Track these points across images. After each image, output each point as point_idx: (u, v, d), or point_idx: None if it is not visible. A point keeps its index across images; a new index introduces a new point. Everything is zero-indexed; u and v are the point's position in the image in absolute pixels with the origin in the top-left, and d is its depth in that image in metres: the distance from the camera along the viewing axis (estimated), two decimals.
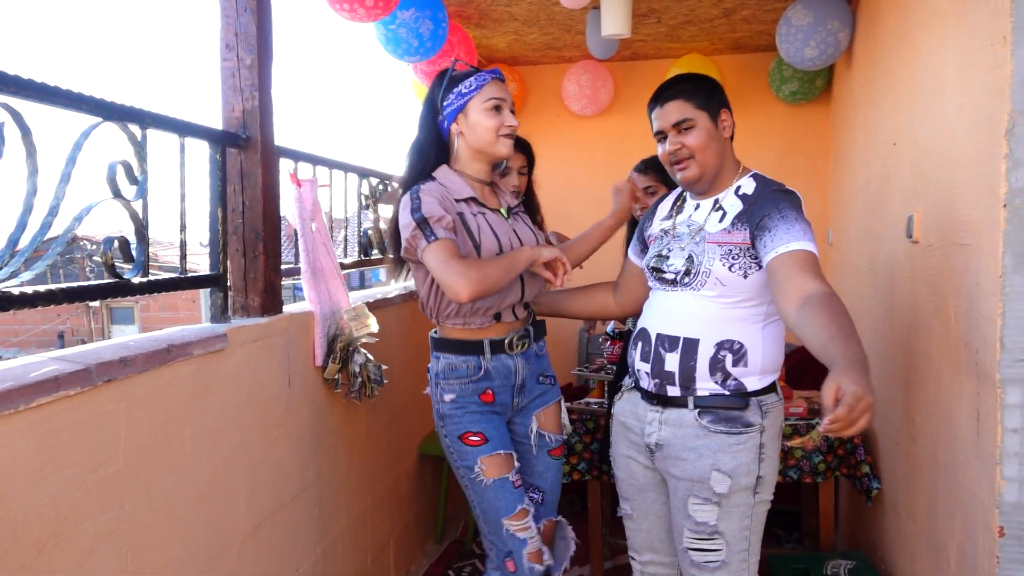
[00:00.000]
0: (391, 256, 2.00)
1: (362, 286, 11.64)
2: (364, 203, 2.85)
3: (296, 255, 2.22)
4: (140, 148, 1.58)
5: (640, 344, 1.87)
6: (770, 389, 1.79)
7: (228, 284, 1.95)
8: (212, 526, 1.71)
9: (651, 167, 2.46)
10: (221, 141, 1.91)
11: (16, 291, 1.29)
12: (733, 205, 1.79)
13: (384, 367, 2.41)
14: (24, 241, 1.30)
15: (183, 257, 1.82)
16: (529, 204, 2.44)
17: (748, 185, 1.81)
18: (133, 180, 1.56)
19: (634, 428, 1.89)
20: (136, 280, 1.60)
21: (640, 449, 1.88)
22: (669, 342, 1.79)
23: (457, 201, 1.87)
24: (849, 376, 1.28)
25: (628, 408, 1.92)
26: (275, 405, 1.98)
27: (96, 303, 14.83)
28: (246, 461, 1.84)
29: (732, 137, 1.86)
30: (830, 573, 2.37)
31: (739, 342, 1.74)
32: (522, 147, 2.39)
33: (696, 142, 1.78)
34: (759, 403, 1.76)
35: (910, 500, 2.16)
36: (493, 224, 1.91)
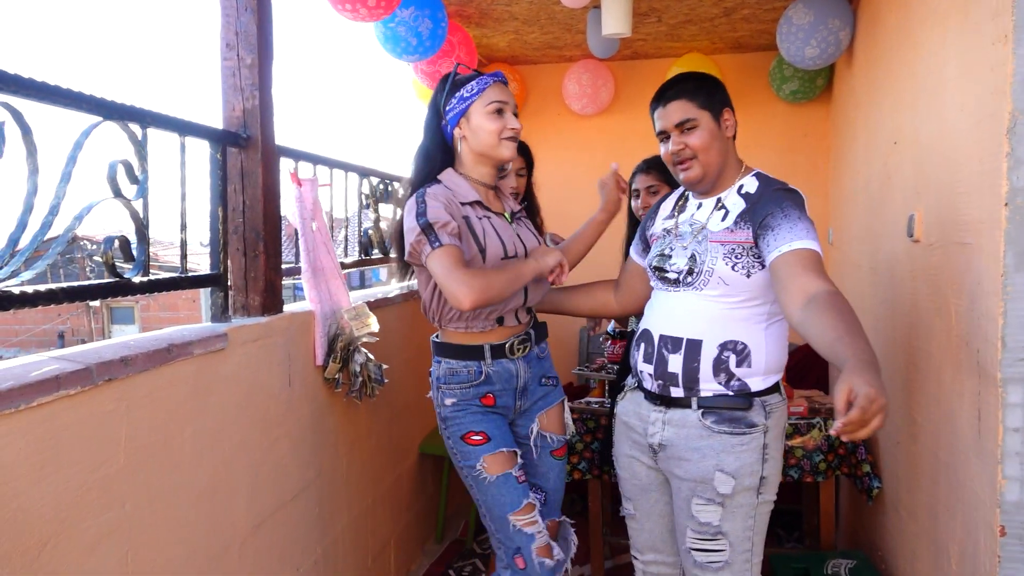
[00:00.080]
0: (396, 258, 2.00)
1: (362, 286, 11.65)
2: (365, 202, 2.84)
3: (296, 254, 2.21)
4: (140, 147, 1.58)
5: (643, 345, 1.86)
6: (774, 389, 1.79)
7: (228, 283, 1.95)
8: (212, 525, 1.71)
9: (653, 166, 2.46)
10: (222, 140, 1.91)
11: (17, 290, 1.28)
12: (736, 204, 1.79)
13: (385, 366, 2.41)
14: (25, 240, 1.30)
15: (184, 256, 1.82)
16: (529, 206, 2.44)
17: (751, 184, 1.81)
18: (134, 179, 1.55)
19: (637, 428, 1.88)
20: (137, 279, 1.60)
21: (643, 449, 1.88)
22: (672, 343, 1.78)
23: (462, 204, 1.88)
24: (861, 376, 1.26)
25: (631, 408, 1.92)
26: (276, 404, 1.98)
27: (96, 303, 14.83)
28: (246, 460, 1.84)
29: (735, 136, 1.85)
30: (831, 572, 2.37)
31: (742, 342, 1.74)
32: (521, 149, 2.40)
33: (699, 142, 1.78)
34: (763, 403, 1.76)
35: (911, 499, 2.16)
36: (498, 228, 1.91)
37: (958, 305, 1.71)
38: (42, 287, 1.34)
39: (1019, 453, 1.47)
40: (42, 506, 1.23)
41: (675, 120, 1.79)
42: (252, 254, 1.99)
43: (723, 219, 1.78)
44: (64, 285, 1.39)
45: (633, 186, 2.52)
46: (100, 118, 1.47)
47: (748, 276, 1.72)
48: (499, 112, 1.88)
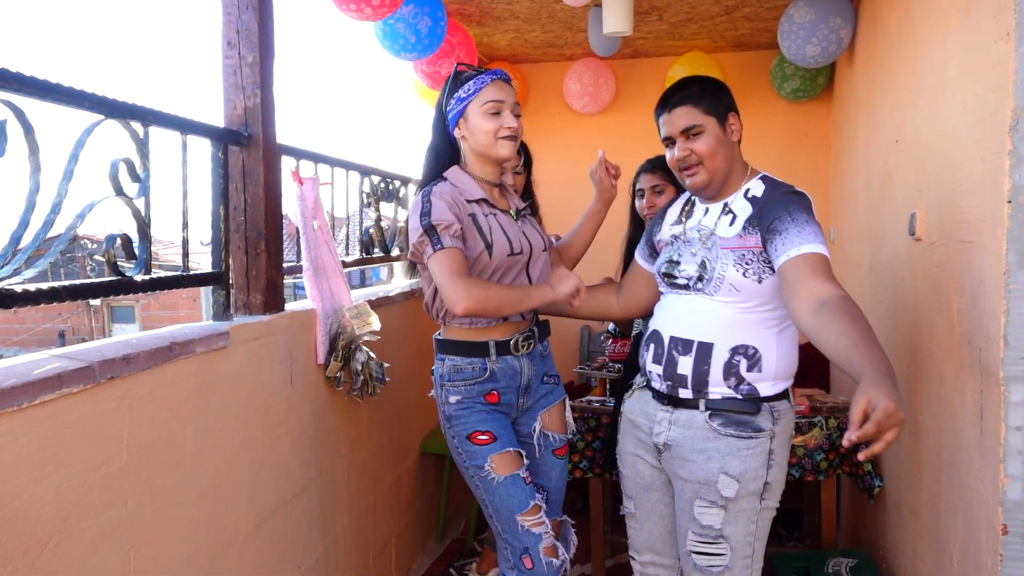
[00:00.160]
0: (406, 254, 2.02)
1: (362, 284, 11.65)
2: (366, 201, 2.84)
3: (298, 253, 2.21)
4: (142, 146, 1.58)
5: (652, 346, 1.85)
6: (783, 396, 1.77)
7: (230, 282, 1.95)
8: (214, 524, 1.71)
9: (658, 166, 2.44)
10: (223, 139, 1.91)
11: (19, 288, 1.28)
12: (743, 208, 1.77)
13: (386, 365, 2.41)
14: (27, 239, 1.30)
15: (185, 255, 1.81)
16: (528, 204, 2.44)
17: (757, 187, 1.79)
18: (135, 178, 1.55)
19: (643, 427, 1.88)
20: (139, 278, 1.59)
21: (648, 448, 1.87)
22: (683, 345, 1.77)
23: (468, 202, 1.89)
24: (880, 389, 1.25)
25: (638, 406, 1.91)
26: (277, 403, 1.98)
27: (97, 302, 14.85)
28: (248, 459, 1.84)
29: (740, 140, 1.84)
30: (832, 571, 2.37)
31: (754, 347, 1.72)
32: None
33: (705, 148, 1.77)
34: (771, 409, 1.74)
35: (913, 498, 2.16)
36: (504, 225, 1.92)
37: (960, 303, 1.71)
38: (44, 285, 1.34)
39: (1021, 451, 1.47)
40: (44, 504, 1.23)
41: (680, 126, 1.78)
42: (254, 252, 1.99)
43: (731, 224, 1.77)
44: (66, 283, 1.39)
45: (637, 186, 2.50)
46: (102, 116, 1.47)
47: (759, 282, 1.71)
48: (495, 111, 1.89)
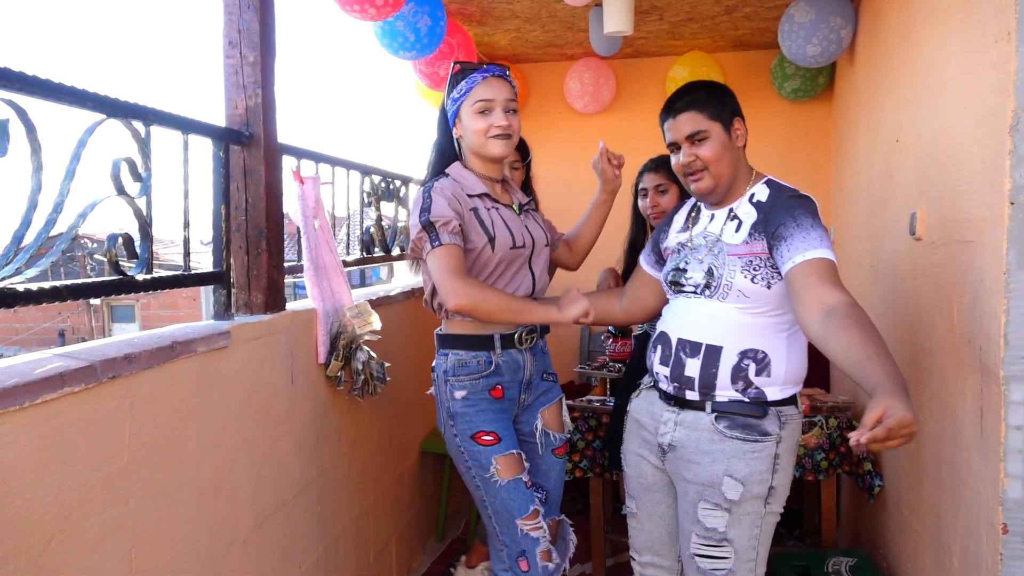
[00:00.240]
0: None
1: (362, 284, 11.65)
2: (366, 200, 2.85)
3: (298, 252, 2.22)
4: (144, 145, 1.58)
5: (660, 348, 1.84)
6: (791, 401, 1.76)
7: (231, 281, 1.95)
8: (215, 523, 1.71)
9: (662, 165, 2.44)
10: (224, 138, 1.91)
11: (21, 287, 1.28)
12: (748, 214, 1.77)
13: (387, 364, 2.41)
14: (29, 238, 1.30)
15: (187, 254, 1.81)
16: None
17: (762, 192, 1.79)
18: (137, 177, 1.55)
19: (648, 427, 1.87)
20: (140, 277, 1.59)
21: (652, 448, 1.87)
22: (691, 348, 1.76)
23: (470, 196, 1.91)
24: (897, 399, 1.27)
25: (644, 406, 1.91)
26: (278, 402, 1.98)
27: (97, 301, 14.85)
28: (249, 458, 1.85)
29: (745, 145, 1.83)
30: (832, 571, 2.37)
31: (763, 351, 1.72)
32: None
33: (710, 153, 1.76)
34: (778, 413, 1.73)
35: (913, 497, 2.16)
36: (506, 219, 1.94)
37: (960, 303, 1.72)
38: (46, 284, 1.34)
39: (1021, 451, 1.47)
40: (46, 503, 1.23)
41: (685, 132, 1.78)
42: (255, 252, 1.99)
43: (737, 230, 1.76)
44: (68, 283, 1.39)
45: (640, 185, 2.49)
46: (104, 116, 1.47)
47: (768, 287, 1.70)
48: (484, 110, 1.90)
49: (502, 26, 3.73)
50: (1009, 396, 1.47)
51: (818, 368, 3.62)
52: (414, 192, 3.05)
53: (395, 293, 2.90)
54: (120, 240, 1.54)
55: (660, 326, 1.89)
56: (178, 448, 1.58)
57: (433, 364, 2.02)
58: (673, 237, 1.96)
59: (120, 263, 1.55)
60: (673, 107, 1.81)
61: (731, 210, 1.81)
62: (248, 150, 1.99)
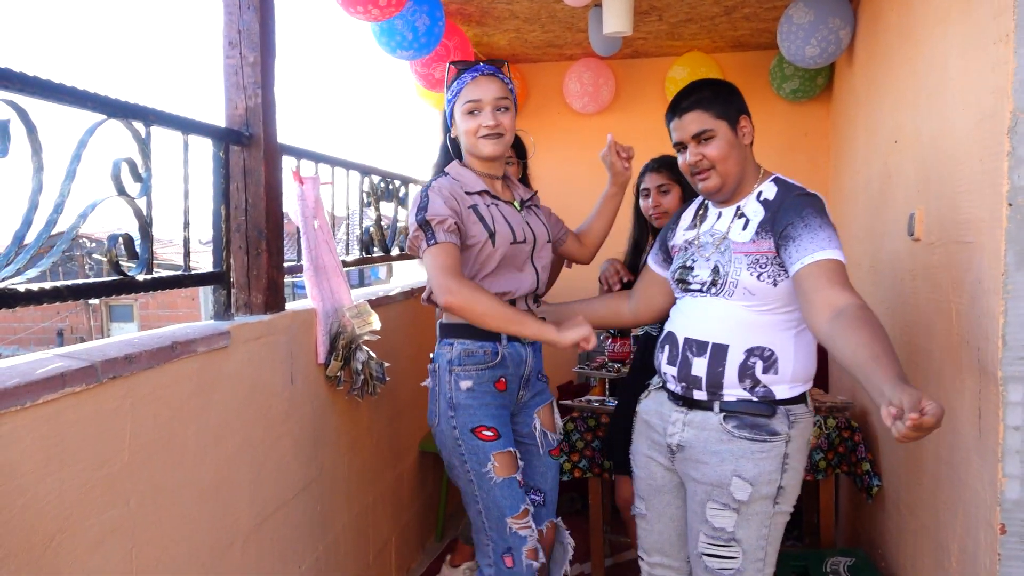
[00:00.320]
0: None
1: (361, 284, 11.65)
2: (366, 201, 2.85)
3: (298, 252, 2.22)
4: (144, 145, 1.58)
5: (667, 348, 1.84)
6: (800, 399, 1.75)
7: (231, 281, 1.95)
8: (215, 523, 1.71)
9: (664, 165, 2.43)
10: (224, 138, 1.92)
11: (22, 288, 1.29)
12: (756, 212, 1.76)
13: (386, 364, 2.42)
14: (30, 238, 1.31)
15: (187, 254, 1.81)
16: None
17: (769, 190, 1.78)
18: (137, 177, 1.56)
19: (657, 427, 1.87)
20: (140, 277, 1.60)
21: (661, 449, 1.86)
22: (697, 347, 1.76)
23: (469, 194, 1.92)
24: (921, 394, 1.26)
25: (653, 407, 1.90)
26: (278, 402, 1.99)
27: (96, 301, 14.83)
28: (249, 458, 1.85)
29: (752, 143, 1.82)
30: (830, 570, 2.38)
31: (770, 349, 1.71)
32: None
33: (717, 152, 1.75)
34: (787, 412, 1.72)
35: (912, 497, 2.17)
36: (506, 214, 1.95)
37: (959, 304, 1.72)
38: (47, 285, 1.34)
39: (1019, 451, 1.47)
40: (47, 503, 1.24)
41: (692, 131, 1.77)
42: (255, 252, 1.99)
43: (744, 228, 1.76)
44: (69, 283, 1.39)
45: (642, 185, 2.48)
46: (104, 116, 1.47)
47: (775, 285, 1.70)
48: (473, 111, 1.93)
49: (501, 26, 3.74)
50: (1007, 397, 1.47)
51: (821, 368, 3.63)
52: (414, 192, 3.06)
53: (395, 293, 2.90)
54: (121, 240, 1.54)
55: (667, 326, 1.88)
56: (178, 448, 1.58)
57: (433, 355, 2.01)
58: (680, 235, 1.95)
59: (120, 263, 1.55)
60: (679, 106, 1.80)
61: (739, 208, 1.80)
62: (248, 150, 1.99)
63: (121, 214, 1.57)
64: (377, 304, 2.55)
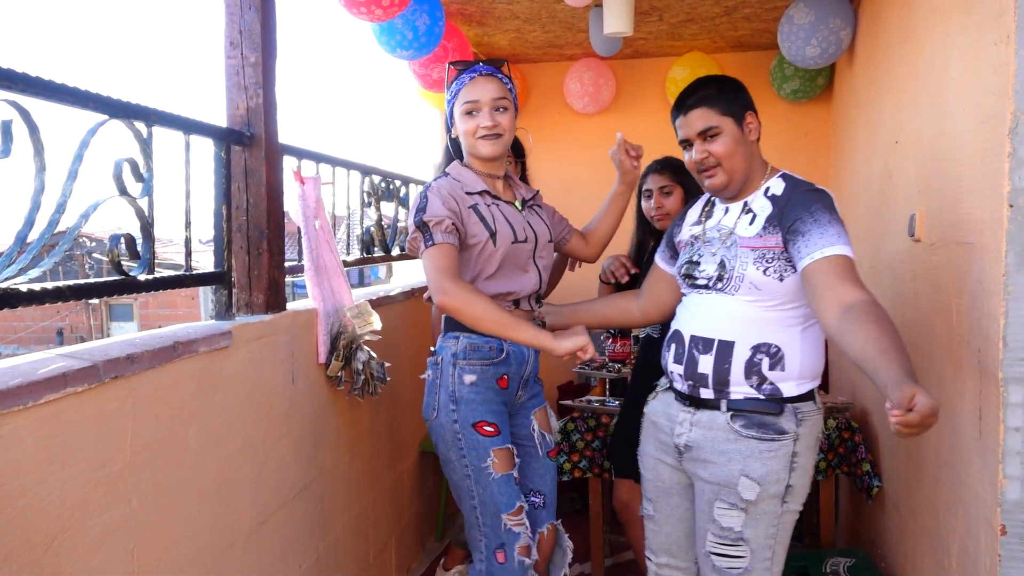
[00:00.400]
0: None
1: (361, 284, 11.65)
2: (366, 201, 2.85)
3: (299, 252, 2.22)
4: (146, 146, 1.58)
5: (673, 346, 1.83)
6: (808, 397, 1.74)
7: (232, 281, 1.95)
8: (217, 523, 1.71)
9: (666, 166, 2.43)
10: (225, 139, 1.92)
11: (24, 288, 1.29)
12: (763, 207, 1.75)
13: (387, 364, 2.42)
14: (32, 238, 1.31)
15: (188, 254, 1.81)
16: None
17: (777, 186, 1.78)
18: (139, 177, 1.56)
19: (664, 428, 1.86)
20: (142, 277, 1.60)
21: (668, 450, 1.85)
22: (703, 344, 1.75)
23: (469, 194, 1.93)
24: (922, 389, 1.26)
25: (660, 408, 1.90)
26: (279, 402, 1.99)
27: (96, 300, 14.83)
28: (250, 458, 1.85)
29: (758, 139, 1.82)
30: (830, 571, 2.38)
31: (776, 345, 1.70)
32: None
33: (723, 149, 1.75)
34: (795, 410, 1.71)
35: (911, 498, 2.17)
36: (507, 214, 1.96)
37: (959, 305, 1.72)
38: (49, 285, 1.34)
39: (1020, 452, 1.48)
40: (49, 503, 1.24)
41: (697, 128, 1.77)
42: (256, 252, 2.00)
43: (751, 223, 1.75)
44: (71, 283, 1.39)
45: (644, 187, 2.48)
46: (106, 116, 1.47)
47: (781, 280, 1.69)
48: (471, 112, 1.93)
49: (502, 26, 3.74)
50: (1008, 398, 1.47)
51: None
52: (414, 192, 3.06)
53: (395, 293, 2.91)
54: (122, 240, 1.55)
55: (674, 324, 1.88)
56: (180, 448, 1.58)
57: (435, 348, 2.00)
58: (687, 230, 1.95)
59: (122, 263, 1.55)
60: (684, 104, 1.80)
61: (746, 203, 1.80)
62: (249, 150, 1.99)
63: (122, 214, 1.57)
64: (378, 304, 2.56)
